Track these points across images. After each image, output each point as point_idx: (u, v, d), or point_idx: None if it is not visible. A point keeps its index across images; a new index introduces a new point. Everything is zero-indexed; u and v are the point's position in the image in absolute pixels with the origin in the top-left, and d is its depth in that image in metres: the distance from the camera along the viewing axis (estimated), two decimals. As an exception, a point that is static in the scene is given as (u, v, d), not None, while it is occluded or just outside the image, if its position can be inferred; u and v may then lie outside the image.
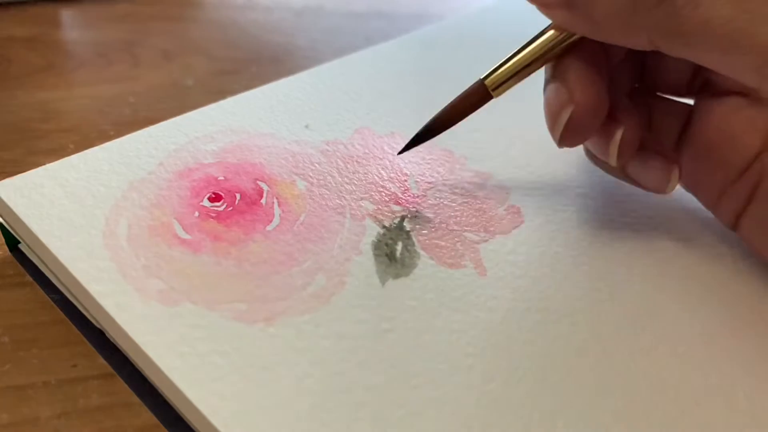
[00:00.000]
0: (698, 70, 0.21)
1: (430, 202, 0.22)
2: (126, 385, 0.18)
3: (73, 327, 0.19)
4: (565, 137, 0.19)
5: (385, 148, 0.24)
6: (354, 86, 0.27)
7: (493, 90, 0.20)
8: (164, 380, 0.16)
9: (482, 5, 0.34)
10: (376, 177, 0.22)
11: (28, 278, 0.21)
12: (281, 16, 0.41)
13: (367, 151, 0.24)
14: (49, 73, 0.32)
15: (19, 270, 0.21)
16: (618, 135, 0.19)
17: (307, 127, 0.24)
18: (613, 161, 0.20)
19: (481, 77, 0.20)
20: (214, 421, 0.15)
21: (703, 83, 0.21)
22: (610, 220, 0.22)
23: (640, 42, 0.17)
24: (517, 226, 0.21)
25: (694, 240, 0.22)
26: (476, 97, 0.20)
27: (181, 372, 0.16)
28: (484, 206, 0.22)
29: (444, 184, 0.23)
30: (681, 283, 0.20)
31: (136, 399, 0.18)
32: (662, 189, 0.20)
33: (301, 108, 0.25)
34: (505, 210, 0.22)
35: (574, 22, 0.18)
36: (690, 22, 0.16)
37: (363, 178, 0.22)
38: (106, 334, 0.18)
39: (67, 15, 0.38)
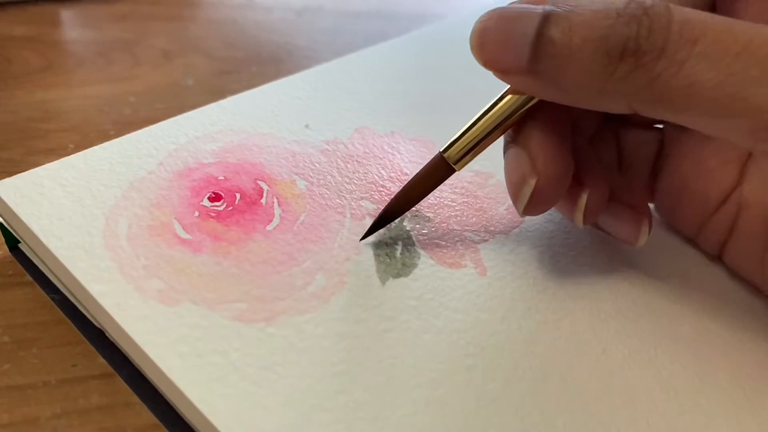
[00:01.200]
0: None
1: (430, 202, 0.22)
2: (126, 385, 0.18)
3: (73, 327, 0.19)
4: (529, 209, 0.18)
5: (385, 147, 0.24)
6: (354, 86, 0.27)
7: (455, 163, 0.19)
8: (164, 380, 0.16)
9: (482, 5, 0.34)
10: (376, 177, 0.22)
11: (28, 278, 0.21)
12: (281, 16, 0.41)
13: (367, 150, 0.24)
14: (48, 72, 0.32)
15: (19, 270, 0.21)
16: (583, 200, 0.18)
17: (307, 126, 0.24)
18: (579, 224, 0.19)
19: (440, 150, 0.19)
20: (214, 421, 0.15)
21: None
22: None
23: (617, 107, 0.16)
24: (517, 226, 0.21)
25: (693, 240, 0.22)
26: (438, 172, 0.19)
27: (181, 372, 0.16)
28: (484, 206, 0.22)
29: (444, 184, 0.22)
30: (682, 282, 0.20)
31: (136, 399, 0.18)
32: (633, 242, 0.19)
33: (301, 108, 0.25)
34: (505, 210, 0.22)
35: (540, 89, 0.17)
36: (672, 87, 0.14)
37: (363, 178, 0.22)
38: (106, 334, 0.18)
39: (67, 15, 0.38)
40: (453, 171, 0.19)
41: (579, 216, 0.19)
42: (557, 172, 0.18)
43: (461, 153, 0.18)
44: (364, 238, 0.20)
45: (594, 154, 0.20)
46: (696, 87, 0.14)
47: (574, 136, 0.19)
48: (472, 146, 0.18)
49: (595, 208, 0.19)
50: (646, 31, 0.15)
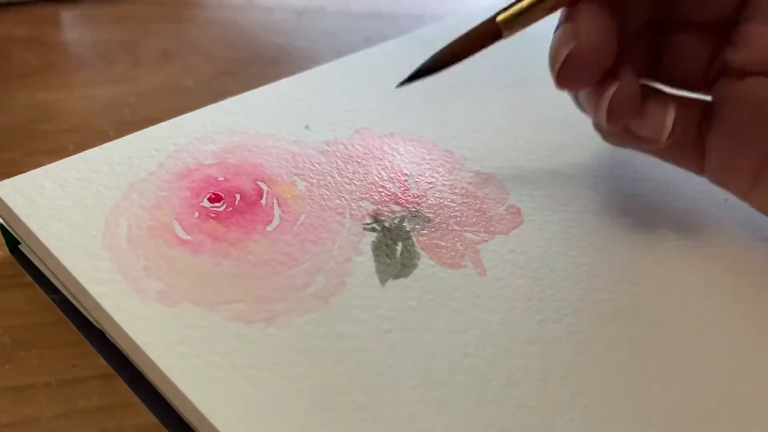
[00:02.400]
0: (715, 53, 0.20)
1: (430, 202, 0.22)
2: (126, 386, 0.18)
3: (73, 327, 0.19)
4: (563, 75, 0.19)
5: (385, 148, 0.24)
6: (354, 86, 0.27)
7: (504, 27, 0.19)
8: (164, 380, 0.16)
9: (482, 5, 0.34)
10: (376, 177, 0.22)
11: (28, 278, 0.21)
12: (281, 16, 0.41)
13: (367, 151, 0.24)
14: (49, 73, 0.32)
15: (19, 270, 0.21)
16: (611, 90, 0.19)
17: (307, 127, 0.24)
18: (602, 119, 0.19)
19: (493, 14, 0.19)
20: (214, 421, 0.15)
21: (721, 69, 0.20)
22: (610, 219, 0.22)
23: None
24: (517, 226, 0.21)
25: (694, 240, 0.22)
26: (485, 34, 0.20)
27: (181, 372, 0.16)
28: (484, 206, 0.22)
29: (444, 184, 0.23)
30: (681, 283, 0.20)
31: (136, 399, 0.18)
32: (658, 136, 0.19)
33: (301, 108, 0.25)
34: (505, 210, 0.22)
35: None
36: None
37: (363, 179, 0.22)
38: (107, 335, 0.18)
39: (67, 15, 0.38)
40: (500, 37, 0.20)
41: (604, 105, 0.19)
42: (597, 43, 0.18)
43: (511, 15, 0.19)
44: (401, 85, 0.21)
45: (638, 49, 0.20)
46: None
47: (623, 24, 0.19)
48: (522, 11, 0.19)
49: (624, 103, 0.19)
50: None
